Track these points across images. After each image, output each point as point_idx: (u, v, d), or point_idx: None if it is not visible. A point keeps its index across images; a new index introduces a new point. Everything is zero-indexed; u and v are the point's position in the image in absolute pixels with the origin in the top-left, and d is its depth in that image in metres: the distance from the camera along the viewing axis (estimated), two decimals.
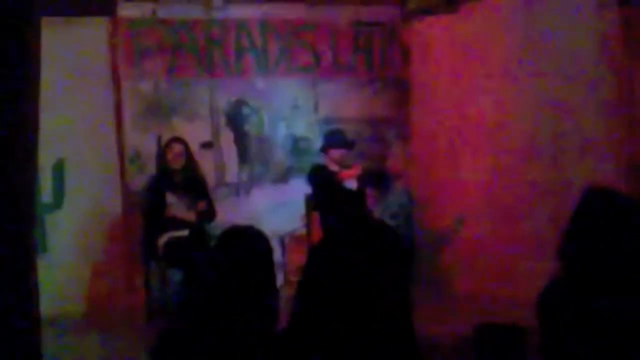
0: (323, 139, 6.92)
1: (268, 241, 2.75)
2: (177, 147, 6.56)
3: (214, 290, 2.61)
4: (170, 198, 6.43)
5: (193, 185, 6.59)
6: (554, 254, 2.59)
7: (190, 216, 6.44)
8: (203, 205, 6.52)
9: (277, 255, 6.46)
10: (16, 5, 3.10)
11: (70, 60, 6.59)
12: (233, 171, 7.30)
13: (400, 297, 2.30)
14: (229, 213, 6.90)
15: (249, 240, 2.73)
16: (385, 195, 7.20)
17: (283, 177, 7.43)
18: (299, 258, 6.79)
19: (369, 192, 6.95)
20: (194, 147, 6.81)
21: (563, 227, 2.61)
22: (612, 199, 2.58)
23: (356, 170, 6.70)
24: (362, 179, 6.75)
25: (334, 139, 6.75)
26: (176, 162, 6.53)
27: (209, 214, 6.61)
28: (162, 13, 6.95)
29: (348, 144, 6.79)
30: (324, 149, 6.77)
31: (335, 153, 6.69)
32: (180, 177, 6.54)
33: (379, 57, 7.71)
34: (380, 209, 6.92)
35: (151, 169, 6.75)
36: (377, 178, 7.06)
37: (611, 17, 5.70)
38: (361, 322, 2.18)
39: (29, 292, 3.25)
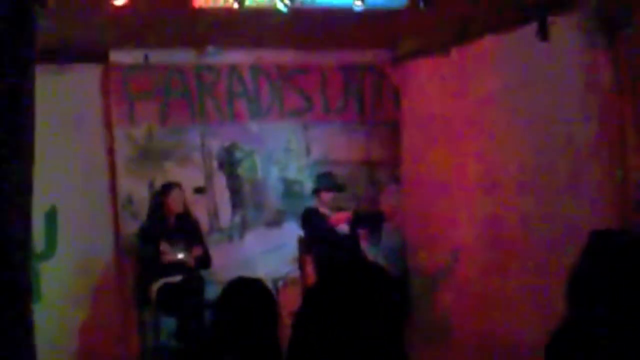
0: (314, 182, 6.99)
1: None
2: (177, 193, 6.55)
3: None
4: (164, 245, 6.40)
5: (187, 230, 6.57)
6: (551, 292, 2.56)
7: (188, 261, 6.39)
8: (199, 251, 6.50)
9: None
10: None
11: (62, 106, 6.59)
12: (226, 216, 7.27)
13: (395, 339, 2.29)
14: (223, 258, 6.88)
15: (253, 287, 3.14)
16: (378, 237, 7.22)
17: (276, 221, 7.41)
18: (293, 301, 6.75)
19: (362, 234, 6.97)
20: (187, 192, 6.81)
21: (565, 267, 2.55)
22: (620, 240, 2.51)
23: (346, 216, 6.77)
24: (354, 222, 6.79)
25: (324, 182, 6.84)
26: (177, 207, 6.52)
27: (205, 260, 6.57)
28: (154, 59, 6.97)
29: (338, 187, 6.89)
30: (316, 192, 6.84)
31: (326, 196, 6.79)
32: (174, 222, 6.53)
33: (370, 100, 7.75)
34: (373, 250, 6.92)
35: (144, 214, 6.72)
36: (370, 220, 7.08)
37: (601, 58, 5.73)
38: None
39: (25, 340, 3.22)
